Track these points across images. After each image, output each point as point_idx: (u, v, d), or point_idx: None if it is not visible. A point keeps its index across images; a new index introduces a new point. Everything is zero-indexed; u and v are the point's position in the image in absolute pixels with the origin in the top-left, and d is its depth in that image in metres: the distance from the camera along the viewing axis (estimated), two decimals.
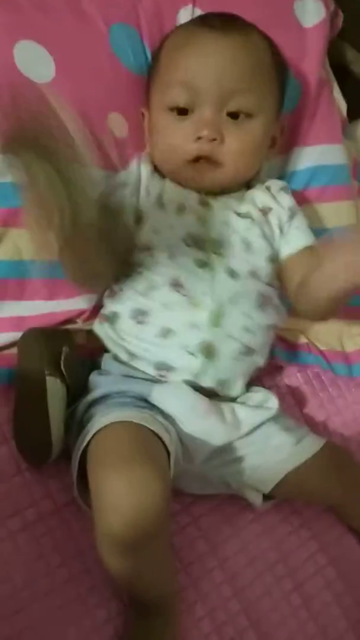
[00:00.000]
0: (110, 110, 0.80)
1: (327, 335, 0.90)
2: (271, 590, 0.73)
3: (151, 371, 0.72)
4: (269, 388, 0.86)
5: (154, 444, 0.63)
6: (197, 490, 0.75)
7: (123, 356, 0.73)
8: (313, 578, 0.75)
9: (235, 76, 0.72)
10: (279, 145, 0.82)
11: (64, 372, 0.70)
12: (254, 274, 0.75)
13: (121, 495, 0.56)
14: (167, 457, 0.64)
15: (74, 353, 0.73)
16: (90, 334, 0.79)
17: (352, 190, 0.94)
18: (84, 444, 0.64)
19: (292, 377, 0.90)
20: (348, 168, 0.93)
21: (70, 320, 0.78)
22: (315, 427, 0.87)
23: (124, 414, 0.65)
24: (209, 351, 0.71)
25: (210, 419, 0.70)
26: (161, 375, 0.72)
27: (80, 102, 0.77)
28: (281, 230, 0.79)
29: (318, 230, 0.85)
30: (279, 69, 0.79)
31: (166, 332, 0.71)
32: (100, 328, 0.77)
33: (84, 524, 0.67)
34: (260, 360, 0.78)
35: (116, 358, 0.74)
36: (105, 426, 0.63)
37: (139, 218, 0.75)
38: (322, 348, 0.90)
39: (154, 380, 0.72)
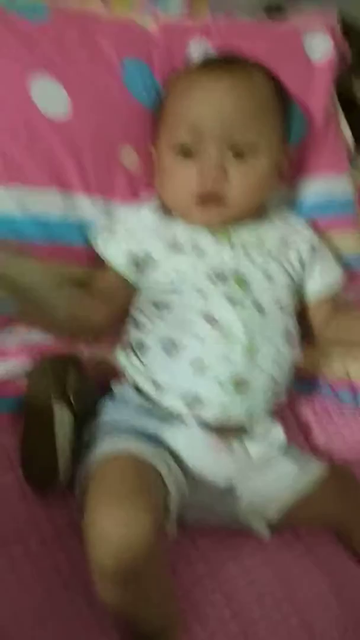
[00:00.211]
0: (123, 142, 0.82)
1: (333, 363, 0.90)
2: (270, 614, 0.72)
3: (179, 405, 0.72)
4: (275, 416, 0.87)
5: (150, 478, 0.64)
6: (199, 519, 0.75)
7: (148, 388, 0.73)
8: (313, 603, 0.75)
9: (238, 114, 0.74)
10: (286, 175, 0.84)
11: (72, 399, 0.71)
12: (279, 307, 0.77)
13: (108, 528, 0.56)
14: (166, 491, 0.65)
15: (82, 379, 0.74)
16: (100, 360, 0.80)
17: (358, 220, 0.95)
18: (84, 471, 0.65)
19: (299, 406, 0.91)
20: (354, 198, 0.94)
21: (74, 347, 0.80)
22: (318, 453, 0.88)
23: (125, 444, 0.66)
24: (241, 384, 0.72)
25: (220, 457, 0.71)
26: (190, 408, 0.72)
27: (94, 135, 0.80)
28: (302, 264, 0.81)
29: None
30: (283, 103, 0.80)
31: (199, 365, 0.72)
32: (124, 357, 0.77)
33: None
34: (282, 395, 0.79)
35: (138, 388, 0.74)
36: (104, 455, 0.64)
37: (149, 261, 0.77)
38: (329, 376, 0.91)
39: (170, 418, 0.72)
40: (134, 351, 0.76)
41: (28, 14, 0.80)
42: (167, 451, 0.69)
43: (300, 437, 0.88)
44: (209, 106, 0.74)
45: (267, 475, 0.74)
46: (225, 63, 0.77)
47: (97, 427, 0.72)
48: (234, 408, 0.72)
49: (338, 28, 0.95)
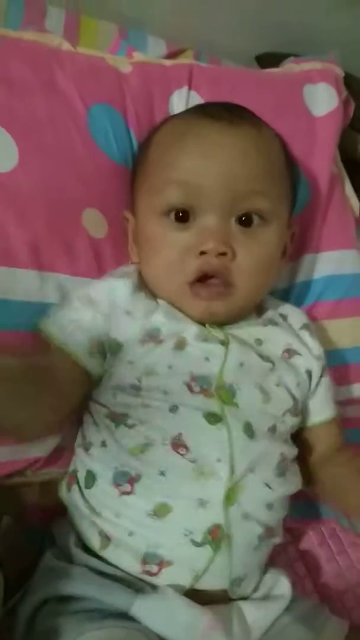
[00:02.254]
0: (87, 205, 0.65)
1: None
2: None
3: (134, 566, 0.53)
4: (275, 554, 0.68)
5: None
6: None
7: (93, 542, 0.54)
8: None
9: (247, 177, 0.58)
10: (288, 254, 0.68)
11: (1, 554, 0.52)
12: (274, 432, 0.59)
13: None
14: None
15: (18, 523, 0.54)
16: (46, 487, 0.61)
17: None
18: None
19: (304, 537, 0.72)
20: None
21: (17, 473, 0.60)
22: (331, 601, 0.69)
23: (105, 637, 0.47)
24: (220, 540, 0.53)
25: (212, 637, 0.51)
26: (148, 573, 0.53)
27: (48, 195, 0.63)
28: (311, 381, 0.64)
29: (332, 352, 0.71)
30: (290, 167, 0.66)
31: (162, 511, 0.53)
32: (66, 494, 0.58)
33: None
34: (278, 539, 0.60)
35: (83, 544, 0.55)
36: None
37: (113, 348, 0.59)
38: None
39: (135, 585, 0.53)
40: (78, 484, 0.57)
41: None
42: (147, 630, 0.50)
43: (307, 580, 0.69)
44: (212, 165, 0.58)
45: None
46: (229, 111, 0.61)
47: (45, 600, 0.52)
48: (211, 573, 0.53)
49: (342, 78, 0.83)
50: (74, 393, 0.59)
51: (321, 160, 0.77)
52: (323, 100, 0.79)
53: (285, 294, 0.74)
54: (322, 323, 0.74)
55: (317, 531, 0.72)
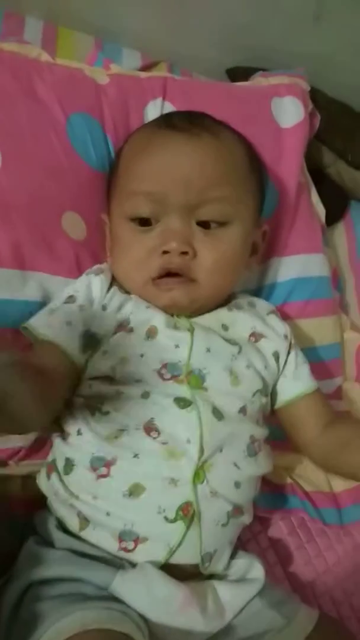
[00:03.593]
0: (66, 208, 0.68)
1: (313, 472, 0.76)
2: None
3: (111, 544, 0.55)
4: (246, 542, 0.72)
5: None
6: None
7: (72, 524, 0.57)
8: None
9: (205, 182, 0.62)
10: (261, 252, 0.72)
11: None
12: (244, 413, 0.62)
13: None
14: None
15: (1, 513, 0.57)
16: (28, 480, 0.63)
17: (334, 304, 0.84)
18: None
19: (274, 526, 0.75)
20: (330, 279, 0.83)
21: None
22: (302, 590, 0.72)
23: (88, 617, 0.49)
24: (191, 516, 0.56)
25: (188, 613, 0.54)
26: (125, 550, 0.55)
27: (30, 198, 0.66)
28: (278, 363, 0.67)
29: (301, 350, 0.74)
30: (256, 170, 0.70)
31: (137, 490, 0.55)
32: (45, 482, 0.60)
33: None
34: (247, 518, 0.63)
35: (63, 527, 0.57)
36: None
37: (93, 342, 0.61)
38: (308, 489, 0.76)
39: (115, 564, 0.55)
40: (57, 472, 0.59)
41: None
42: (130, 609, 0.53)
43: (278, 567, 0.72)
44: (172, 172, 0.62)
45: (248, 632, 0.58)
46: (190, 122, 0.65)
47: (29, 584, 0.54)
48: (184, 548, 0.56)
49: (308, 92, 0.87)
50: (65, 388, 0.61)
51: (288, 169, 0.81)
52: (290, 112, 0.83)
53: (255, 296, 0.77)
54: (291, 322, 0.78)
55: (287, 521, 0.76)
